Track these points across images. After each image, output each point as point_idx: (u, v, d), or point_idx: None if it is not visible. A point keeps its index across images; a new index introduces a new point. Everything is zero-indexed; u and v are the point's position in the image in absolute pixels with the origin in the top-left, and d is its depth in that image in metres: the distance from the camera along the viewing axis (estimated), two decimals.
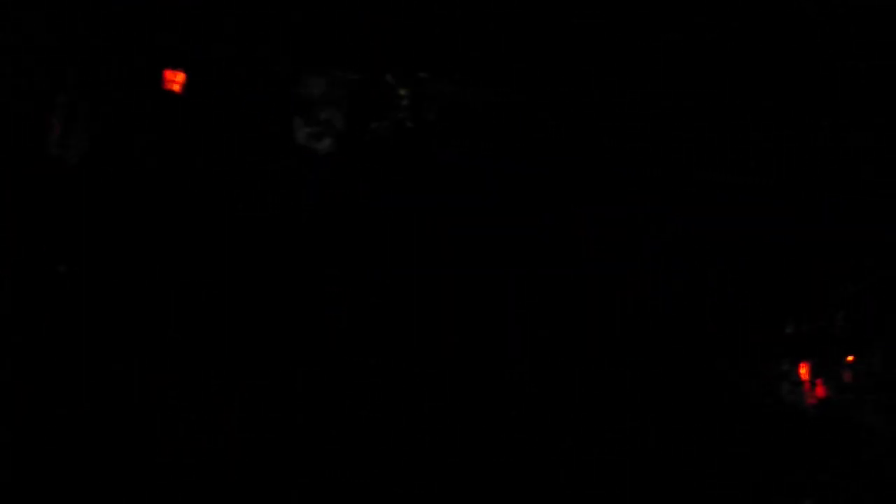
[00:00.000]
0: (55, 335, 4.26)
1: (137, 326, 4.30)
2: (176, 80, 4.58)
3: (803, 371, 4.19)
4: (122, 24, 4.47)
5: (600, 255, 4.42)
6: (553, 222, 4.44)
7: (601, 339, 4.35)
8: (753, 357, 4.24)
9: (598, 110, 4.49)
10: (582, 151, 4.48)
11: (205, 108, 4.51)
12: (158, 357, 4.25)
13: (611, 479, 4.15)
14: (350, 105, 4.60)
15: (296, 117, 4.60)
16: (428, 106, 4.52)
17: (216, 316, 4.32)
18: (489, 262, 4.41)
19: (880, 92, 4.43)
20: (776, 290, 4.31)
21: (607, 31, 4.49)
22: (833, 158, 4.43)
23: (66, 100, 4.55)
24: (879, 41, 4.44)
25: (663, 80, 4.49)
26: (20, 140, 4.41)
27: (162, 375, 4.23)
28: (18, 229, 4.33)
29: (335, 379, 4.27)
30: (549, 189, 4.47)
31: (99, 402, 4.19)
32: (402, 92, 4.58)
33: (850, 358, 4.17)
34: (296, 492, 4.12)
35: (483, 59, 4.51)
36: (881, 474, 4.00)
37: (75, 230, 4.37)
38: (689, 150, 4.48)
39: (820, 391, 4.16)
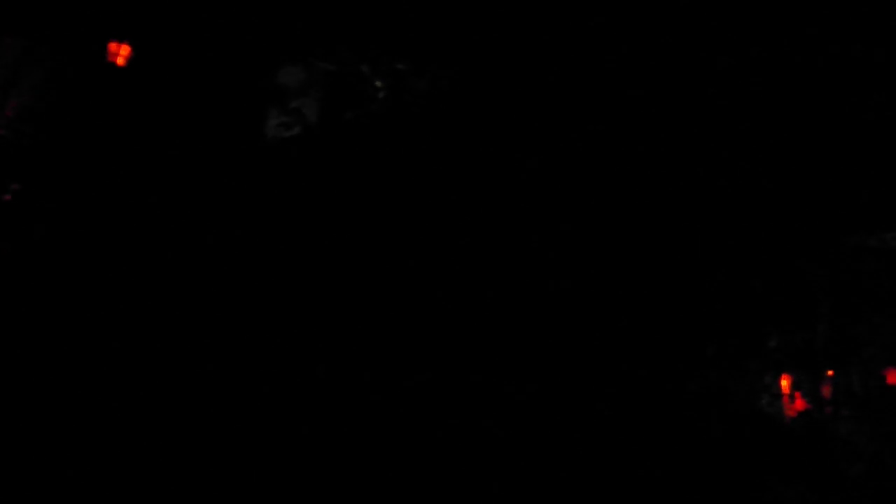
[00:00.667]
0: (55, 335, 4.22)
1: (137, 326, 4.26)
2: (120, 52, 4.41)
3: (784, 383, 4.25)
4: (103, 16, 4.28)
5: (597, 256, 4.39)
6: (549, 222, 4.39)
7: (595, 340, 4.36)
8: (741, 365, 4.29)
9: (592, 110, 4.38)
10: (579, 151, 4.38)
11: (204, 107, 4.38)
12: (158, 357, 4.23)
13: (599, 483, 4.24)
14: (325, 95, 4.44)
15: (269, 106, 4.46)
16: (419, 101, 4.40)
17: (216, 316, 4.29)
18: (488, 262, 4.36)
19: (880, 91, 4.32)
20: (764, 297, 4.32)
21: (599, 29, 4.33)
22: (831, 158, 4.36)
23: (25, 85, 4.40)
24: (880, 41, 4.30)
25: (656, 80, 4.36)
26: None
27: (162, 375, 4.21)
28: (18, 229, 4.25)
29: (335, 379, 4.27)
30: (548, 188, 4.39)
31: (99, 402, 4.18)
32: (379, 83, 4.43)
33: (829, 372, 4.23)
34: (296, 492, 4.16)
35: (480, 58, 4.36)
36: (857, 486, 4.13)
37: (74, 230, 4.29)
38: (687, 149, 4.39)
39: (799, 404, 4.24)
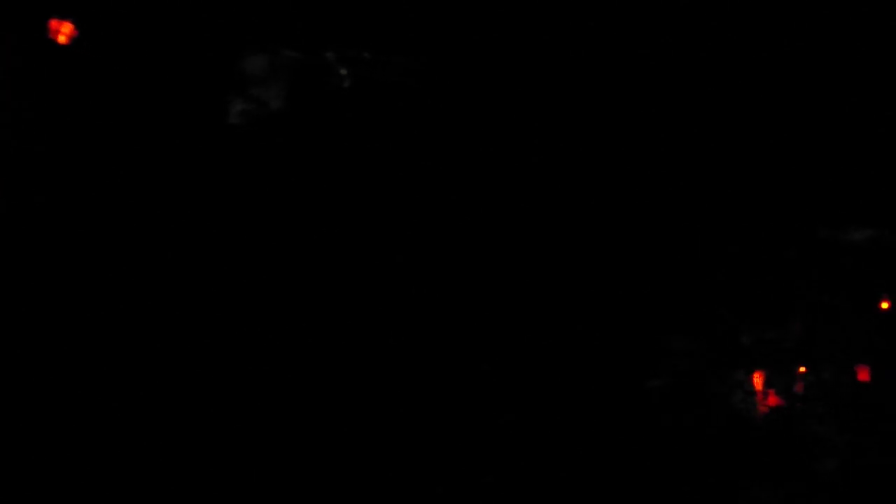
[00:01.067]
0: (54, 334, 4.10)
1: (136, 326, 4.14)
2: (62, 30, 4.19)
3: (757, 380, 4.25)
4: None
5: (562, 250, 4.34)
6: (543, 220, 4.34)
7: (560, 335, 4.31)
8: (713, 361, 4.29)
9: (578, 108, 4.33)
10: (569, 147, 4.32)
11: (158, 91, 4.20)
12: (157, 357, 4.12)
13: (563, 486, 4.22)
14: (288, 83, 4.27)
15: (231, 94, 4.28)
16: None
17: (215, 316, 4.17)
18: (485, 258, 4.29)
19: (880, 91, 4.33)
20: (736, 293, 4.32)
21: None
22: (801, 152, 4.37)
23: None
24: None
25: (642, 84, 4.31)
26: None
27: (161, 375, 4.12)
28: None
29: (335, 379, 4.18)
30: (543, 186, 4.32)
31: (98, 402, 4.07)
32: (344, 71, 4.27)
33: (802, 368, 4.24)
34: (295, 492, 4.08)
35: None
36: (829, 484, 4.16)
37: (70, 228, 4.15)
38: (679, 149, 4.36)
39: (772, 400, 4.24)
